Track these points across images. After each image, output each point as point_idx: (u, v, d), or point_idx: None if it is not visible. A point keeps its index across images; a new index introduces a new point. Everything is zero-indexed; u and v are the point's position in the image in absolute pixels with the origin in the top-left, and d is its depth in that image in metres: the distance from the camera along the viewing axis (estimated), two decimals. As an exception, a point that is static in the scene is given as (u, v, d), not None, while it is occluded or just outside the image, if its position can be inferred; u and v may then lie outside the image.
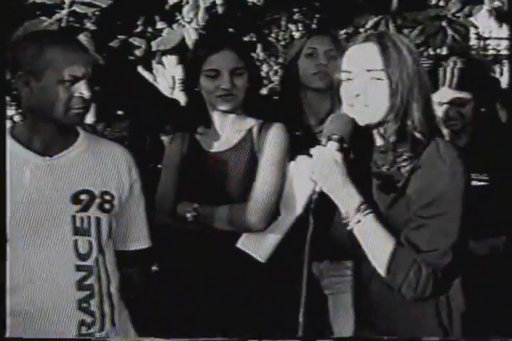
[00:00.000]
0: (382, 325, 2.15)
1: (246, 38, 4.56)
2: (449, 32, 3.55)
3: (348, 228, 2.09)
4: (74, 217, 2.34)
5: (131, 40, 3.61)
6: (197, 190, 2.83)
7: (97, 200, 2.38)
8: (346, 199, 2.08)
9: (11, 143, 2.35)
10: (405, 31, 3.60)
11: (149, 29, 3.62)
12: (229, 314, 2.70)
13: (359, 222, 2.07)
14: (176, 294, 2.81)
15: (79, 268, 2.34)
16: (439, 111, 2.79)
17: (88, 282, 2.35)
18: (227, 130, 2.87)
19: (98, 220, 2.38)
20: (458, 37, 3.52)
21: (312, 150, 2.11)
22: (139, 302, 2.64)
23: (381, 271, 2.05)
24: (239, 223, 2.70)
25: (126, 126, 3.98)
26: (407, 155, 2.05)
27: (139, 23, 3.63)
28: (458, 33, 3.54)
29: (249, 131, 2.84)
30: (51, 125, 2.34)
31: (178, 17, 3.53)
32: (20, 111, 2.48)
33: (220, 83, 2.77)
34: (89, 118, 3.77)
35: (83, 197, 2.36)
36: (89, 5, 3.53)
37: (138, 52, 3.60)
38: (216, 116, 2.86)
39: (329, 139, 2.11)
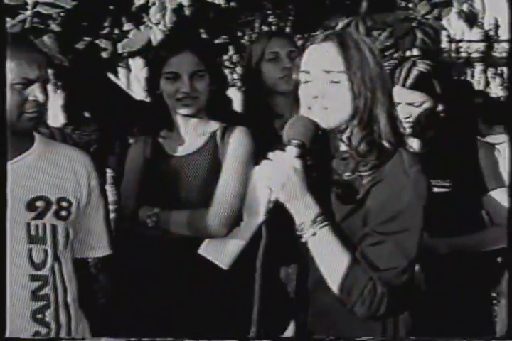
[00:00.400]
0: (324, 332, 2.05)
1: (218, 40, 4.50)
2: (419, 34, 3.50)
3: (303, 240, 1.97)
4: (29, 224, 2.28)
5: (97, 41, 3.55)
6: (159, 195, 2.77)
7: (53, 207, 2.32)
8: (303, 209, 1.96)
9: None
10: (375, 33, 3.55)
11: (116, 31, 3.56)
12: (187, 318, 2.65)
13: (314, 234, 1.95)
14: (136, 299, 2.77)
15: (33, 277, 2.28)
16: None
17: (43, 292, 2.29)
18: (191, 134, 2.82)
19: (54, 228, 2.32)
20: (427, 39, 3.47)
21: (270, 155, 1.98)
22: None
23: (334, 288, 1.94)
24: (199, 228, 2.64)
25: (94, 129, 3.92)
26: (371, 163, 1.95)
27: (105, 24, 3.57)
28: (427, 36, 3.49)
29: (213, 134, 2.79)
30: (7, 129, 2.25)
31: (145, 19, 3.48)
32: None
33: (179, 86, 2.72)
34: (58, 121, 3.70)
35: (39, 203, 2.30)
36: (53, 5, 3.43)
37: (104, 54, 3.54)
38: (179, 120, 2.81)
39: (288, 144, 1.99)
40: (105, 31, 3.55)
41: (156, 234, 2.71)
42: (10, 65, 2.21)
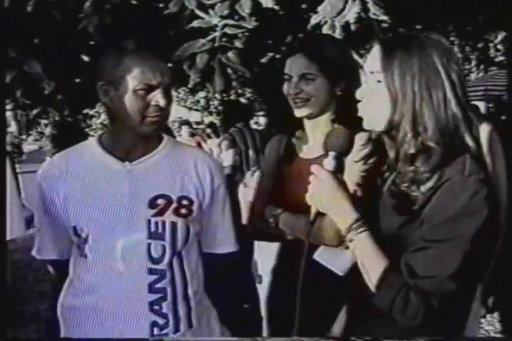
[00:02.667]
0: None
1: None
2: None
3: (345, 246, 1.94)
4: (149, 221, 2.34)
5: (278, 56, 3.70)
6: (283, 195, 2.72)
7: (174, 205, 2.36)
8: (341, 217, 1.92)
9: (96, 149, 2.41)
10: None
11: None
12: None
13: (351, 241, 1.90)
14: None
15: (151, 271, 2.34)
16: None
17: (160, 285, 2.34)
18: (318, 137, 2.67)
19: (174, 225, 2.36)
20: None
21: (312, 168, 1.97)
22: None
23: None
24: (314, 235, 2.59)
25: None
26: (426, 170, 1.81)
27: (285, 41, 3.71)
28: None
29: None
30: (132, 132, 2.34)
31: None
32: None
33: (290, 87, 2.65)
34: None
35: (159, 201, 2.35)
36: (238, 27, 3.68)
37: None
38: (306, 122, 2.73)
39: (326, 156, 1.98)
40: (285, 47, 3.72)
41: (277, 233, 2.67)
42: (134, 72, 2.28)
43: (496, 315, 4.34)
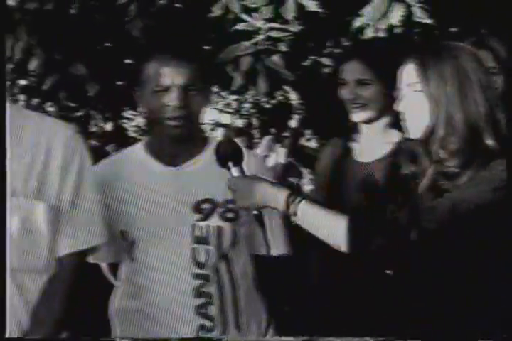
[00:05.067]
0: None
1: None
2: None
3: (294, 224, 1.96)
4: (194, 225, 2.35)
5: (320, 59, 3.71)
6: (339, 198, 2.70)
7: (220, 209, 2.36)
8: (274, 202, 1.98)
9: (142, 154, 2.42)
10: None
11: (336, 50, 3.69)
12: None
13: (295, 214, 1.94)
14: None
15: (196, 276, 2.34)
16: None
17: (206, 290, 2.35)
18: (374, 141, 2.70)
19: (219, 229, 2.36)
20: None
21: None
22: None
23: (344, 248, 1.89)
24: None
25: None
26: (459, 169, 1.90)
27: (327, 44, 3.70)
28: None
29: (398, 144, 2.60)
30: (166, 135, 2.35)
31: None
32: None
33: (345, 92, 2.66)
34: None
35: (205, 206, 2.36)
36: (283, 30, 3.69)
37: (326, 70, 3.68)
38: (362, 126, 2.72)
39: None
40: (327, 50, 3.73)
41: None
42: (152, 73, 2.30)
43: None
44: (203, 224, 2.36)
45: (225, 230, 2.39)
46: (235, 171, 2.09)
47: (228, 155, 2.12)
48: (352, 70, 2.66)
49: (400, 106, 1.99)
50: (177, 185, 2.37)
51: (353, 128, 2.78)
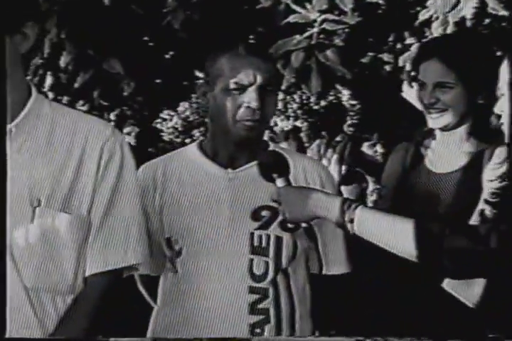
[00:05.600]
0: None
1: None
2: None
3: (351, 233, 1.85)
4: (252, 234, 2.17)
5: (380, 55, 3.54)
6: (408, 210, 2.50)
7: (280, 218, 2.15)
8: (326, 211, 1.90)
9: (197, 156, 2.26)
10: None
11: (398, 45, 3.50)
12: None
13: (352, 221, 1.83)
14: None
15: (252, 290, 2.17)
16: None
17: (262, 306, 2.18)
18: (452, 150, 2.46)
19: (279, 239, 2.19)
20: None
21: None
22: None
23: (412, 257, 1.78)
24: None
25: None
26: None
27: (389, 39, 3.52)
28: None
29: (479, 155, 2.48)
30: (229, 136, 2.19)
31: (427, 33, 3.35)
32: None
33: (423, 95, 2.45)
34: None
35: (264, 213, 2.18)
36: (339, 22, 3.48)
37: (388, 68, 3.52)
38: (437, 132, 2.47)
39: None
40: (388, 46, 3.54)
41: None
42: (226, 71, 2.16)
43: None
44: (262, 232, 2.19)
45: (285, 241, 2.21)
46: (280, 183, 2.03)
47: (272, 166, 2.06)
48: (431, 71, 2.42)
49: (498, 108, 1.89)
50: (234, 190, 2.21)
51: (427, 134, 2.57)
